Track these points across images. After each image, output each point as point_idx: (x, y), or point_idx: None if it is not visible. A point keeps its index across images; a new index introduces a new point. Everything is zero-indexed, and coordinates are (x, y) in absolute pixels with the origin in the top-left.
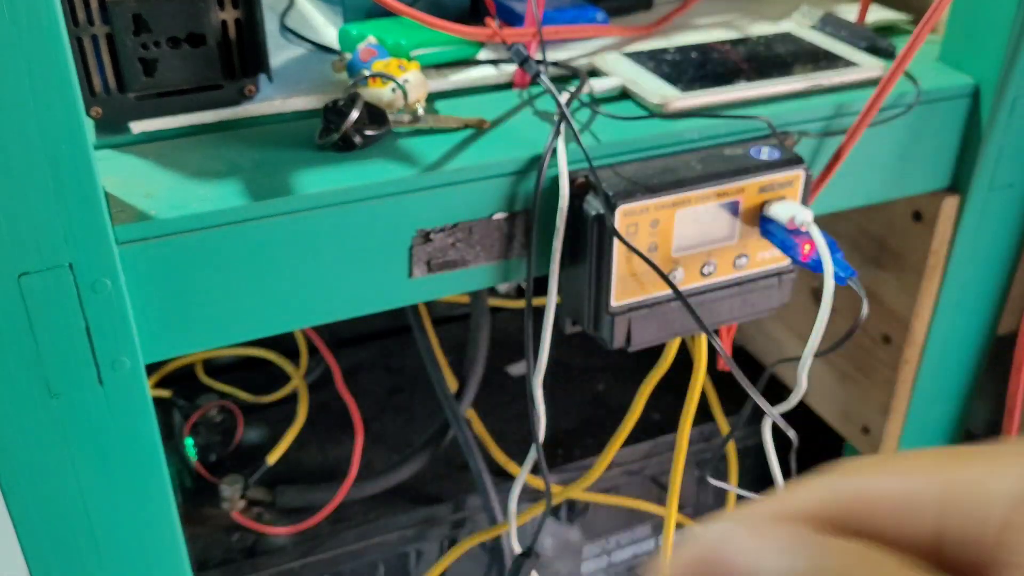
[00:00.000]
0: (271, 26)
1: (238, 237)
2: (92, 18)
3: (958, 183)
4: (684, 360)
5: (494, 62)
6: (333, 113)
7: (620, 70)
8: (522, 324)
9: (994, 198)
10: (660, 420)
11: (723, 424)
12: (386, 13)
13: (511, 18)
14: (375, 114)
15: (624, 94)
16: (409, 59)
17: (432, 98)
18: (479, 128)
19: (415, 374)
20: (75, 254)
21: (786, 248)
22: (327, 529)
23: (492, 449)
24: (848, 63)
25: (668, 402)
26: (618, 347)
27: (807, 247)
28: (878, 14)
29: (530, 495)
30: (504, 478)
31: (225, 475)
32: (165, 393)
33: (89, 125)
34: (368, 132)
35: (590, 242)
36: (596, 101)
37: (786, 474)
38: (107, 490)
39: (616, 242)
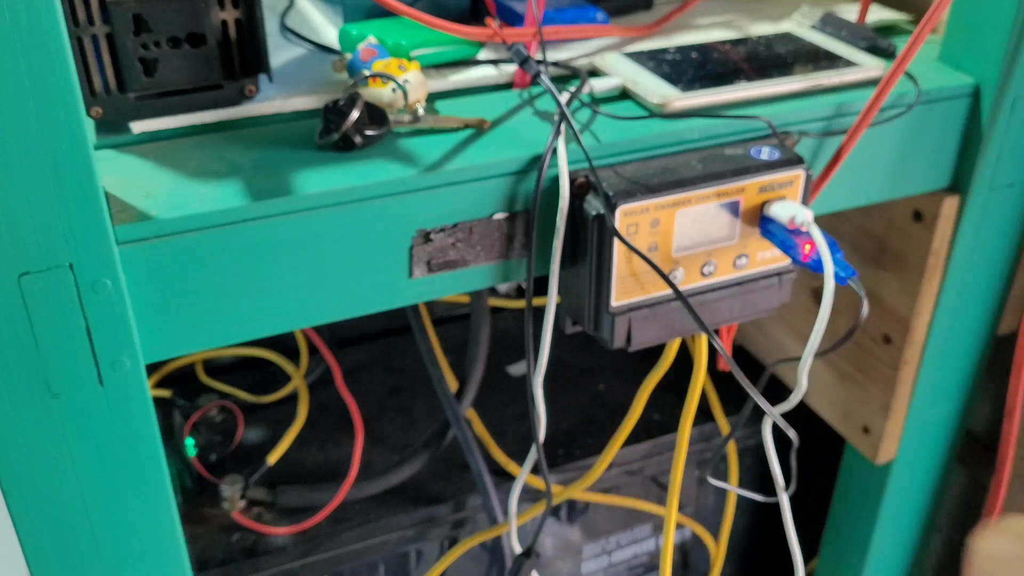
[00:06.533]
0: (271, 26)
1: (238, 237)
2: (92, 18)
3: (958, 183)
4: (684, 360)
5: (494, 62)
6: (333, 113)
7: (620, 70)
8: (522, 324)
9: (994, 198)
10: (660, 420)
11: (723, 424)
12: (386, 13)
13: (511, 18)
14: (375, 114)
15: (624, 94)
16: (409, 59)
17: (432, 98)
18: (479, 128)
19: (415, 374)
20: (75, 254)
21: (786, 248)
22: (327, 529)
23: (492, 449)
24: (848, 63)
25: (668, 402)
26: (618, 347)
27: (807, 247)
28: (878, 14)
29: (530, 495)
30: (504, 478)
31: (225, 475)
32: (165, 393)
33: (89, 125)
34: (368, 132)
35: (590, 242)
36: (596, 101)
37: (786, 474)
38: (107, 490)
39: (616, 242)
